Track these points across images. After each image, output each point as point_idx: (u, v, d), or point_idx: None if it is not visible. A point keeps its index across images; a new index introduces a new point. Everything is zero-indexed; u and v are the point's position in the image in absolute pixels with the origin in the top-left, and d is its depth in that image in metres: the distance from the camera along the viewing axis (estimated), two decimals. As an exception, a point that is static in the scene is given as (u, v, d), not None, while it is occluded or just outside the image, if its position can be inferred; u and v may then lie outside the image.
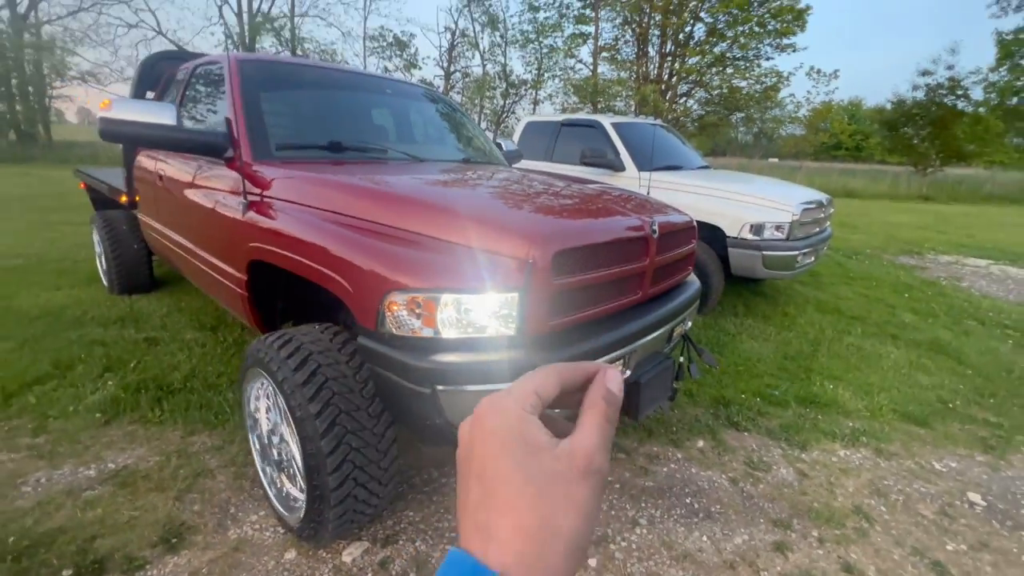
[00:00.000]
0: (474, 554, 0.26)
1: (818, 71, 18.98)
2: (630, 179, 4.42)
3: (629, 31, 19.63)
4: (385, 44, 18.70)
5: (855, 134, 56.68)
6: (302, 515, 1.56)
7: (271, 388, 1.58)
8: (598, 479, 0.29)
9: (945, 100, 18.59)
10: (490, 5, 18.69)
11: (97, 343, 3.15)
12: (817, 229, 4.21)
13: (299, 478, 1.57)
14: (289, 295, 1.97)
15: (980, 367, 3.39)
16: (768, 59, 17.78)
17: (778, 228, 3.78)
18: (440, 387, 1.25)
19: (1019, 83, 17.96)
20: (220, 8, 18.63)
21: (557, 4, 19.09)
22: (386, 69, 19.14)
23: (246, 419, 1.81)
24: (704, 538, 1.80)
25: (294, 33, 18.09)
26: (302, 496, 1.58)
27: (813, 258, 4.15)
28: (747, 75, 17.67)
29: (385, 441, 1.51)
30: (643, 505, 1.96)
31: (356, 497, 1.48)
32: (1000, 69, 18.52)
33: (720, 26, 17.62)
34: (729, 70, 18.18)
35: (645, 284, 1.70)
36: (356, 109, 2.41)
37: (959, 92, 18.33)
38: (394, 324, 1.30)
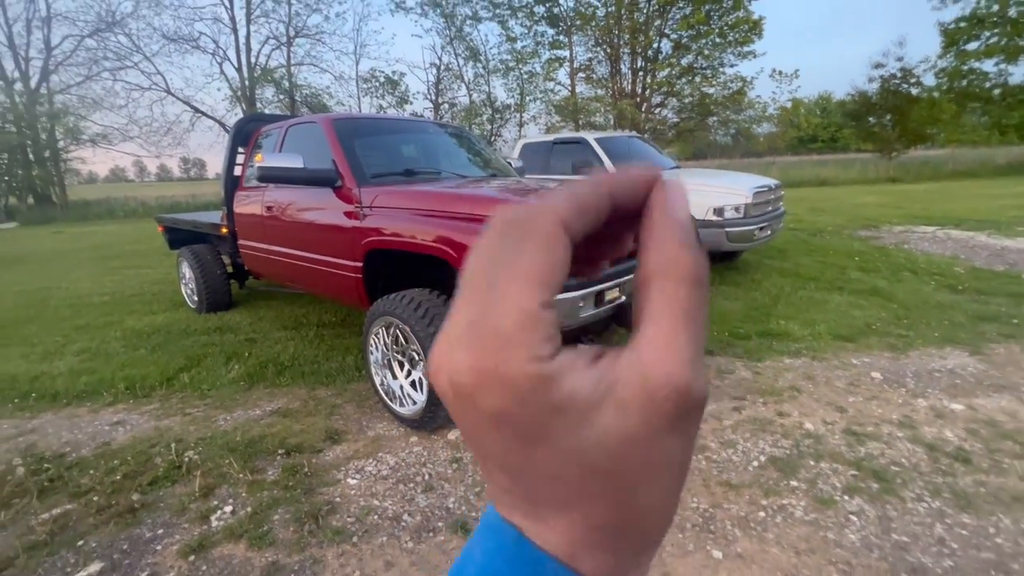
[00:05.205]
0: (519, 527, 0.18)
1: (780, 72, 20.37)
2: (614, 182, 5.38)
3: (601, 52, 21.08)
4: (377, 84, 20.08)
5: (829, 126, 58.82)
6: (423, 407, 2.42)
7: (385, 330, 2.48)
8: (695, 415, 0.17)
9: (900, 88, 19.93)
10: (470, 40, 20.09)
11: (210, 344, 4.01)
12: (770, 208, 5.16)
13: (416, 386, 2.45)
14: (387, 275, 2.86)
15: (904, 302, 4.29)
16: (732, 66, 19.18)
17: (736, 209, 4.73)
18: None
19: (965, 67, 19.41)
20: (220, 65, 20.02)
21: (532, 33, 20.55)
22: (380, 107, 20.44)
23: (368, 352, 2.68)
24: (686, 409, 2.67)
25: (291, 82, 19.46)
26: (419, 394, 2.45)
27: (769, 232, 5.08)
28: (714, 82, 19.04)
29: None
30: (644, 397, 2.83)
31: (459, 386, 2.35)
32: (947, 56, 20.01)
33: (685, 40, 19.04)
34: (697, 79, 19.56)
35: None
36: (414, 144, 3.38)
37: (911, 80, 19.73)
38: (482, 268, 2.21)
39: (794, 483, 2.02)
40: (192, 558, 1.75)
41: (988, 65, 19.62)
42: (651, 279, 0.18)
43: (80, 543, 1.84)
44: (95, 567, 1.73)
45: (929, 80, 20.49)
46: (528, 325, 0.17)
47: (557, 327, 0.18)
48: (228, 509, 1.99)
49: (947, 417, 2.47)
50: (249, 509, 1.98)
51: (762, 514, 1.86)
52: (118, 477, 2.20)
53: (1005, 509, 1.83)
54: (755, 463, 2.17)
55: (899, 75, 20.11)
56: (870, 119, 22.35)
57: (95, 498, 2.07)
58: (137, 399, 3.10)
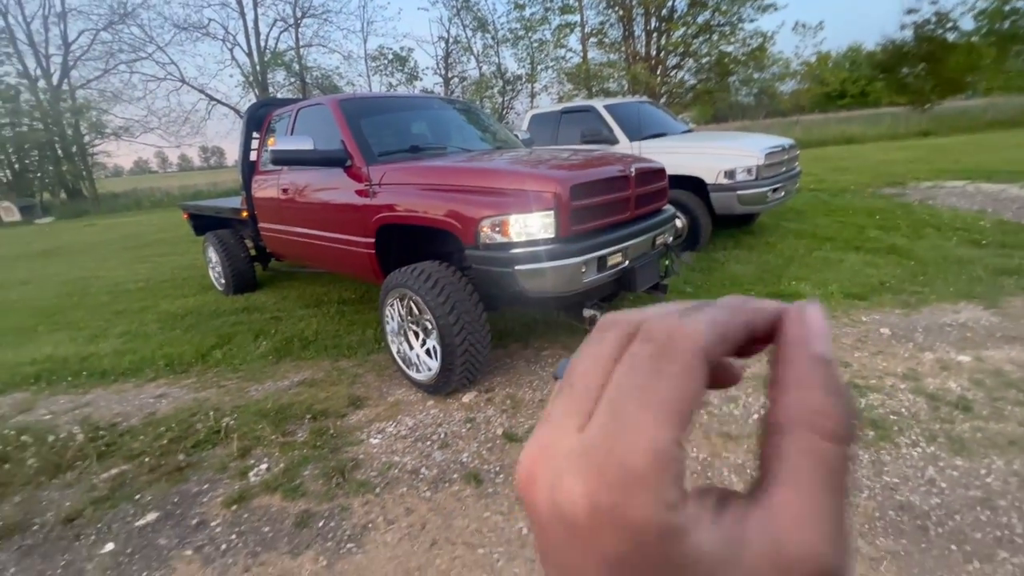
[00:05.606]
0: None
1: (803, 25, 19.33)
2: (623, 149, 5.33)
3: (613, 14, 20.30)
4: (386, 62, 19.91)
5: (858, 80, 55.64)
6: (437, 371, 2.57)
7: (399, 301, 2.61)
8: None
9: (935, 34, 18.72)
10: (478, 10, 19.61)
11: (239, 323, 4.24)
12: (784, 169, 5.05)
13: (430, 353, 2.59)
14: (399, 249, 2.98)
15: (922, 259, 4.21)
16: (751, 21, 18.28)
17: (748, 171, 4.65)
18: (516, 267, 2.24)
19: (1008, 7, 18.06)
20: (231, 51, 20.15)
21: (541, -1, 19.88)
22: (390, 85, 20.33)
23: (385, 322, 2.83)
24: (691, 368, 2.75)
25: (301, 64, 19.48)
26: (433, 361, 2.59)
27: (783, 193, 4.99)
28: (732, 40, 18.22)
29: (482, 319, 2.50)
30: (651, 359, 2.92)
31: (469, 351, 2.47)
32: (988, -5, 18.61)
33: (701, -4, 18.17)
34: (714, 37, 18.73)
35: (631, 206, 2.66)
36: (420, 120, 3.45)
37: (948, 25, 18.49)
38: (487, 238, 2.30)
39: (792, 433, 2.10)
40: (235, 508, 1.96)
41: (1033, 3, 18.21)
42: (788, 428, 0.16)
43: (137, 497, 2.07)
44: (152, 516, 1.95)
45: (967, 24, 19.23)
46: (660, 465, 0.15)
47: (685, 468, 0.16)
48: (264, 466, 2.19)
49: (952, 369, 2.49)
50: (282, 466, 2.18)
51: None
52: (165, 441, 2.43)
53: (999, 452, 1.88)
54: (755, 416, 2.25)
55: (934, 20, 18.85)
56: (902, 70, 21.13)
57: (146, 459, 2.30)
58: (176, 374, 3.35)
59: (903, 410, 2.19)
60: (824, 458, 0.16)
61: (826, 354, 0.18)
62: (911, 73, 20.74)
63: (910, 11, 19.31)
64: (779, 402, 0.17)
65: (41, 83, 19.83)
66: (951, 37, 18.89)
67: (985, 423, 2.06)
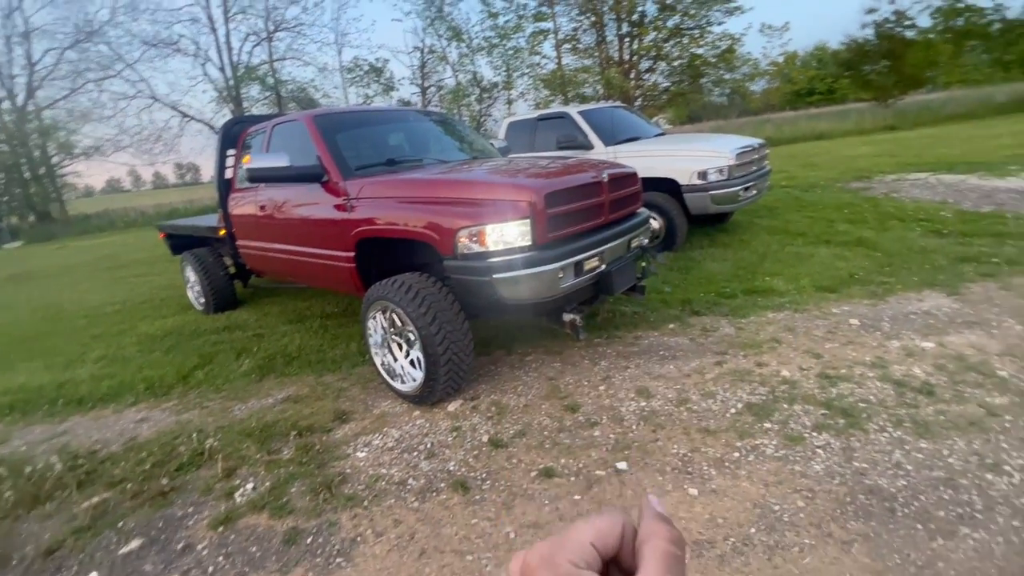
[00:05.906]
0: None
1: (769, 27, 19.88)
2: (599, 154, 5.43)
3: (586, 20, 20.61)
4: (361, 73, 19.88)
5: (825, 78, 57.26)
6: (422, 381, 2.59)
7: (382, 314, 2.62)
8: None
9: (895, 32, 19.44)
10: (452, 20, 19.73)
11: (221, 342, 4.19)
12: (755, 168, 5.20)
13: (414, 364, 2.61)
14: (379, 262, 3.00)
15: (888, 250, 4.37)
16: (719, 24, 18.73)
17: (719, 171, 4.78)
18: (494, 275, 2.28)
19: (960, 4, 18.84)
20: (203, 66, 19.88)
21: (514, 7, 20.09)
22: (366, 96, 20.29)
23: (367, 335, 2.84)
24: (671, 366, 2.82)
25: (276, 78, 19.33)
26: (417, 372, 2.61)
27: (755, 192, 5.13)
28: (702, 42, 18.64)
29: (464, 328, 2.54)
30: (631, 359, 2.98)
31: (453, 361, 2.50)
32: (942, -6, 19.41)
33: (669, 1, 18.58)
34: (685, 40, 19.15)
35: (605, 211, 2.73)
36: (396, 133, 3.48)
37: (906, 23, 19.22)
38: (464, 248, 2.34)
39: (767, 425, 2.17)
40: (221, 529, 1.95)
41: (984, 0, 19.06)
42: (645, 541, 0.27)
43: (120, 524, 2.04)
44: (136, 543, 1.93)
45: (924, 21, 19.99)
46: (580, 549, 0.27)
47: (597, 566, 0.27)
48: (250, 486, 2.18)
49: (917, 355, 2.60)
50: (268, 484, 2.17)
51: (736, 454, 2.02)
52: (147, 466, 2.40)
53: (961, 433, 1.98)
54: (732, 410, 2.32)
55: (893, 18, 19.60)
56: (865, 67, 21.86)
57: (129, 486, 2.27)
58: (157, 397, 3.30)
59: (871, 397, 2.28)
60: (663, 552, 0.27)
61: (660, 508, 0.30)
62: (874, 70, 21.48)
63: (870, 10, 20.11)
64: (639, 531, 0.29)
65: (6, 104, 19.34)
66: (910, 34, 19.69)
67: (947, 406, 2.16)
